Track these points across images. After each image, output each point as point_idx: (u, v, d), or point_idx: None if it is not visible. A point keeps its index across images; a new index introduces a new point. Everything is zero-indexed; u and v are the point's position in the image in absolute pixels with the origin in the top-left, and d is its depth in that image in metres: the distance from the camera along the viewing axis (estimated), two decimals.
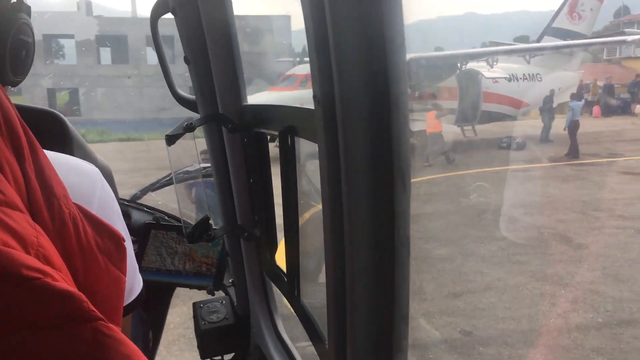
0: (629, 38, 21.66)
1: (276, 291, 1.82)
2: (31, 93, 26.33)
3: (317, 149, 0.94)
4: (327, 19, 0.80)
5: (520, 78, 19.92)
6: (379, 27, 0.76)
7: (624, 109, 26.59)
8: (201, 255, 2.03)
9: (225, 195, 1.83)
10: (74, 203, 0.83)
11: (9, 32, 0.96)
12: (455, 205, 11.06)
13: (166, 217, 2.22)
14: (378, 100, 0.79)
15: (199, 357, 2.00)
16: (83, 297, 0.60)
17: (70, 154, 1.12)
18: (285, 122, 1.29)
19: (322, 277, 1.02)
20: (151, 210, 2.28)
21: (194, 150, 1.78)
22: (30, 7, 1.02)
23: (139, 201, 2.57)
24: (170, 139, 1.59)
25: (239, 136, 1.67)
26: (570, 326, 5.95)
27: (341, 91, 0.82)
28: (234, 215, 1.83)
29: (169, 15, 1.68)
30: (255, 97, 15.12)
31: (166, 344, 5.50)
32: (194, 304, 2.02)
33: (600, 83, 28.18)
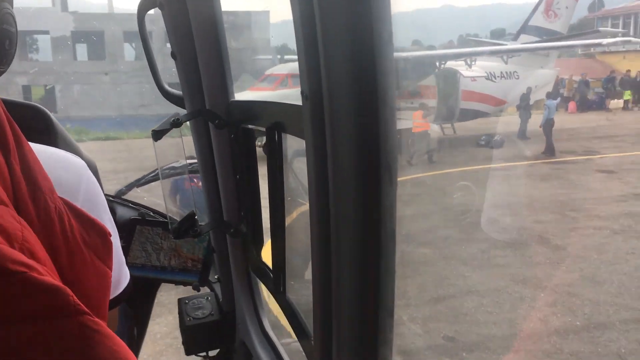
0: (604, 41, 22.10)
1: (262, 287, 1.84)
2: (6, 90, 25.84)
3: (304, 146, 0.95)
4: (316, 15, 0.80)
5: (498, 76, 20.15)
6: (367, 24, 0.77)
7: (599, 104, 27.04)
8: (187, 251, 2.01)
9: (212, 191, 1.83)
10: (59, 197, 0.82)
11: None
12: (436, 206, 11.19)
13: (151, 213, 2.20)
14: (366, 96, 0.80)
15: None
16: (69, 291, 0.60)
17: None
18: (273, 118, 1.30)
19: (308, 274, 1.03)
20: (136, 206, 2.26)
21: (180, 145, 1.77)
22: None
23: (124, 197, 2.56)
24: (157, 134, 1.57)
25: (226, 132, 1.67)
26: (550, 330, 6.09)
27: (329, 87, 0.82)
28: (220, 211, 1.83)
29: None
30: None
31: (154, 355, 5.51)
32: (179, 300, 2.02)
33: (577, 78, 28.60)
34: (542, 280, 7.42)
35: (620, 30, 34.85)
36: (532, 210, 10.71)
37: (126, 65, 29.98)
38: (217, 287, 2.07)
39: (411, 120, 15.60)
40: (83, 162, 1.07)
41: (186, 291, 2.05)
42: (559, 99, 21.53)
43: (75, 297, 0.60)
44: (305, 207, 0.97)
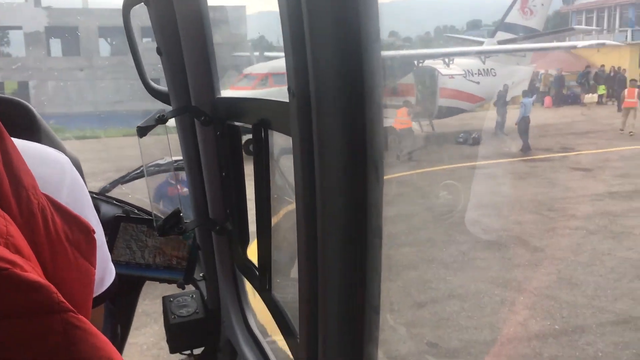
0: (580, 44, 22.49)
1: (248, 285, 1.83)
2: None
3: (291, 143, 0.94)
4: (303, 12, 0.80)
5: (476, 73, 20.34)
6: (355, 21, 0.77)
7: (574, 99, 27.47)
8: (172, 249, 1.99)
9: (197, 188, 1.82)
10: (43, 194, 0.81)
11: None
12: (417, 207, 11.29)
13: (136, 211, 2.16)
14: (353, 93, 0.80)
15: None
16: (52, 288, 0.60)
17: None
18: (259, 115, 1.30)
19: (294, 272, 1.03)
20: (121, 203, 2.23)
21: (165, 142, 1.76)
22: None
23: (108, 194, 2.52)
24: (142, 131, 1.55)
25: (212, 129, 1.65)
26: (530, 334, 6.22)
27: (316, 84, 0.82)
28: (206, 208, 1.81)
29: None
30: None
31: None
32: (164, 298, 2.00)
33: (553, 72, 28.99)
34: (521, 283, 7.55)
35: (594, 27, 35.38)
36: (511, 210, 10.85)
37: (102, 61, 29.57)
38: (202, 285, 2.05)
39: (394, 118, 15.70)
40: (67, 158, 1.06)
41: (171, 289, 2.03)
42: (534, 96, 21.84)
43: (59, 294, 0.60)
44: (292, 204, 0.98)
